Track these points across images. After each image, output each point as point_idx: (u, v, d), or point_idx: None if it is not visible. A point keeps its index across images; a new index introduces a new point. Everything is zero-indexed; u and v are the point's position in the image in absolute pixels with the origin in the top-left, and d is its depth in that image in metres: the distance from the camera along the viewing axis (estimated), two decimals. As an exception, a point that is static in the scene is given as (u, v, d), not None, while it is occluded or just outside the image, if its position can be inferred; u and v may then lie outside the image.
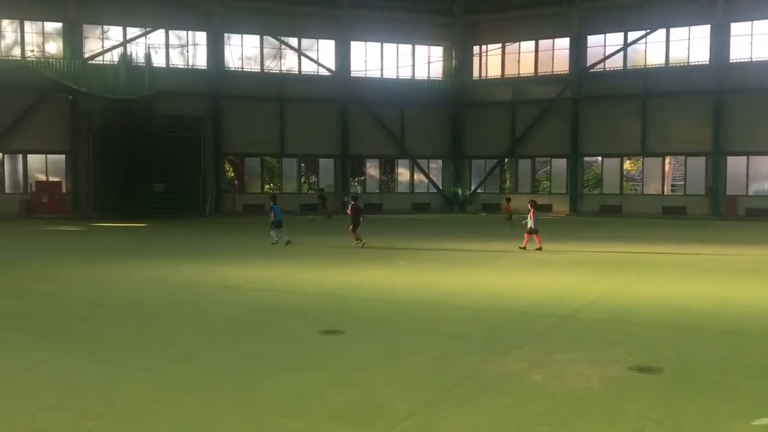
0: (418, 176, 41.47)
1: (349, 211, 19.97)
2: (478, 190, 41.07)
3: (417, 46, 40.29)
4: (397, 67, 39.76)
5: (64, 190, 34.98)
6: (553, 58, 38.81)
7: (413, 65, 40.24)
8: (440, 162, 41.70)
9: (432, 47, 40.89)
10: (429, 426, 5.44)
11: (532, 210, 18.29)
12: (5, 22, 34.40)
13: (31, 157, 35.38)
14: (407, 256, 17.41)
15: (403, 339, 8.48)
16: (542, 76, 38.97)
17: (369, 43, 39.41)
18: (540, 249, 17.97)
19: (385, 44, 39.59)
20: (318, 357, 7.56)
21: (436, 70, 41.07)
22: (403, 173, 41.92)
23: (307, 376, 6.77)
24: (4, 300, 11.14)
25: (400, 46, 39.93)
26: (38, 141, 34.25)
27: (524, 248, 18.08)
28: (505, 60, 39.90)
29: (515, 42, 39.24)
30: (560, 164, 39.23)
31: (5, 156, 35.42)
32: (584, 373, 6.83)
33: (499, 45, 39.90)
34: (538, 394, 6.25)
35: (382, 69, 39.61)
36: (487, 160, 40.77)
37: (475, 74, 40.95)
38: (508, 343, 8.23)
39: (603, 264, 15.71)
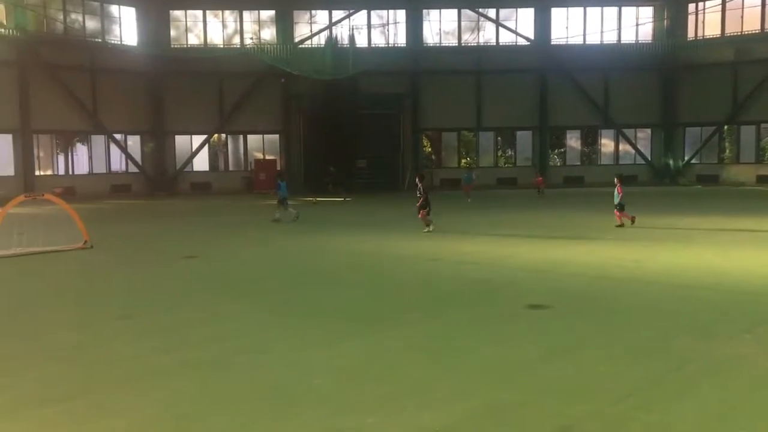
0: (624, 147, 39.24)
1: (420, 192, 16.82)
2: (693, 161, 37.92)
3: (624, 8, 37.85)
4: (602, 32, 37.72)
5: (278, 167, 37.79)
6: (784, 11, 34.49)
7: (619, 28, 37.93)
8: (648, 131, 39.10)
9: (640, 8, 38.20)
10: (652, 407, 5.13)
11: (619, 184, 16.96)
12: (227, 13, 37.66)
13: (250, 137, 38.66)
14: (615, 231, 16.55)
15: (616, 317, 8.08)
16: (770, 31, 34.84)
17: (571, 9, 37.73)
18: (622, 225, 16.74)
19: (588, 8, 37.66)
20: (526, 331, 7.45)
21: (645, 33, 38.36)
22: (606, 144, 39.89)
23: (517, 350, 6.70)
24: (225, 264, 12.31)
25: (605, 9, 37.75)
26: (256, 122, 37.32)
27: (621, 225, 16.82)
28: (725, 17, 36.17)
29: (738, -4, 35.40)
30: (792, 130, 35.01)
31: (228, 137, 39.03)
32: (834, 362, 6.05)
33: (719, 0, 36.21)
34: (777, 382, 5.65)
35: (584, 35, 37.80)
36: (704, 127, 37.43)
37: (690, 34, 37.65)
38: (735, 325, 7.52)
39: None
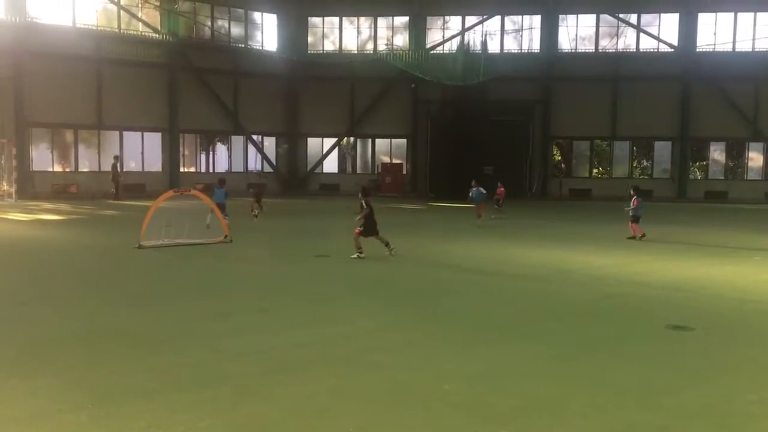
0: (775, 161, 36.35)
1: (364, 206, 13.43)
2: None
3: (779, 13, 35.12)
4: (753, 39, 35.16)
5: (404, 171, 38.22)
6: None
7: (773, 35, 35.21)
8: (803, 145, 36.01)
9: (798, 13, 35.28)
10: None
11: (635, 196, 16.85)
12: (362, 19, 38.54)
13: (378, 141, 39.34)
14: (763, 250, 15.38)
15: (766, 343, 7.50)
16: None
17: (719, 14, 35.47)
18: (633, 237, 16.53)
19: (739, 13, 35.26)
20: (667, 352, 7.07)
21: (803, 39, 35.38)
22: (754, 158, 37.15)
23: (655, 371, 6.37)
24: (364, 267, 12.56)
25: (758, 14, 35.18)
26: (384, 126, 37.89)
27: (633, 237, 16.60)
28: None
29: None
30: None
31: (357, 140, 39.90)
32: None
33: None
34: None
35: (734, 42, 35.41)
36: None
37: None
38: None
39: None
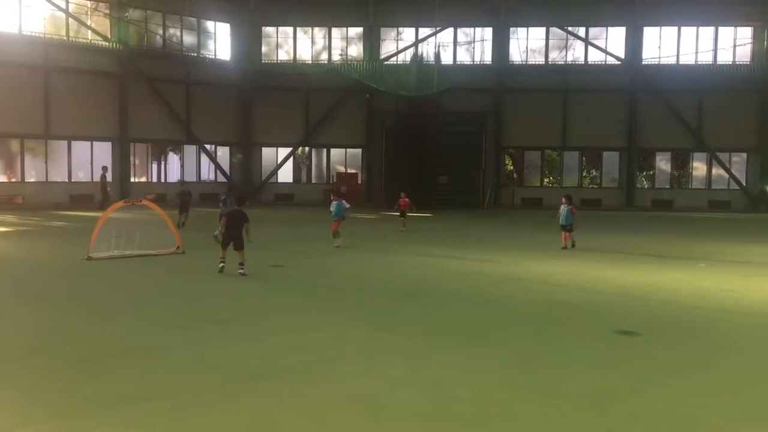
0: (717, 171, 37.61)
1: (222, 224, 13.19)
2: (792, 188, 35.98)
3: (721, 28, 36.46)
4: (696, 52, 36.39)
5: (359, 181, 38.28)
6: None
7: (715, 49, 36.51)
8: (744, 155, 37.36)
9: (739, 28, 36.69)
10: (754, 446, 4.90)
11: (566, 204, 16.81)
12: (316, 30, 38.57)
13: (333, 151, 39.34)
14: (708, 257, 15.90)
15: (711, 347, 7.77)
16: None
17: (664, 28, 36.65)
18: (565, 248, 16.62)
19: (682, 27, 36.49)
20: (615, 357, 7.25)
21: (743, 54, 36.77)
22: (698, 167, 38.37)
23: (605, 376, 6.53)
24: (318, 278, 12.54)
25: (701, 28, 36.45)
26: (339, 136, 37.94)
27: (565, 247, 16.68)
28: (832, 37, 34.27)
29: None
30: None
31: (312, 150, 39.83)
32: None
33: (825, 20, 34.39)
34: None
35: (678, 55, 36.59)
36: (805, 153, 35.48)
37: (792, 56, 35.82)
38: None
39: None
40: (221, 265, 12.46)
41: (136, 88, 33.78)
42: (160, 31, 35.72)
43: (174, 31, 36.49)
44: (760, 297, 10.91)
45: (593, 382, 6.33)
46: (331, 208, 17.19)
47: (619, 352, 7.48)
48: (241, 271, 12.28)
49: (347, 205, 17.48)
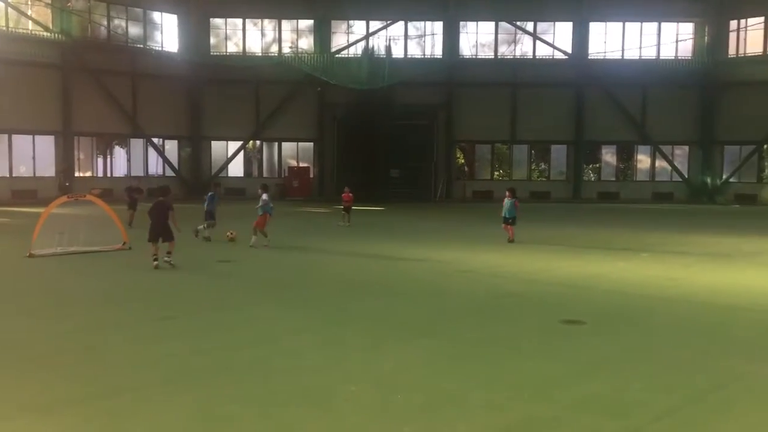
0: (660, 163, 38.71)
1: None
2: (731, 179, 37.27)
3: (663, 24, 37.47)
4: (640, 47, 37.29)
5: (311, 175, 38.09)
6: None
7: (658, 44, 37.48)
8: (686, 148, 38.50)
9: (681, 24, 37.76)
10: (691, 426, 5.08)
11: (509, 197, 16.87)
12: (266, 22, 38.14)
13: (284, 145, 39.03)
14: (650, 248, 16.36)
15: (653, 334, 8.01)
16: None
17: (609, 23, 37.46)
18: (512, 241, 16.64)
19: (627, 23, 37.36)
20: (561, 346, 7.42)
21: (685, 49, 37.87)
22: (642, 160, 39.39)
23: (551, 364, 6.68)
24: (279, 272, 12.45)
25: (644, 24, 37.39)
26: (291, 129, 37.63)
27: (512, 240, 16.71)
28: (768, 34, 35.55)
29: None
30: (835, 151, 34.26)
31: (263, 144, 39.45)
32: None
33: (761, 18, 35.63)
34: (821, 407, 5.55)
35: (623, 50, 37.45)
36: (743, 145, 36.76)
37: (731, 51, 37.06)
38: (777, 347, 7.41)
39: None
40: (155, 262, 12.23)
41: (80, 80, 32.87)
42: (105, 22, 34.81)
43: (119, 22, 35.60)
44: (700, 285, 11.30)
45: (539, 371, 6.46)
46: (259, 204, 15.89)
47: (564, 341, 7.66)
48: (167, 259, 12.17)
49: (270, 204, 16.06)
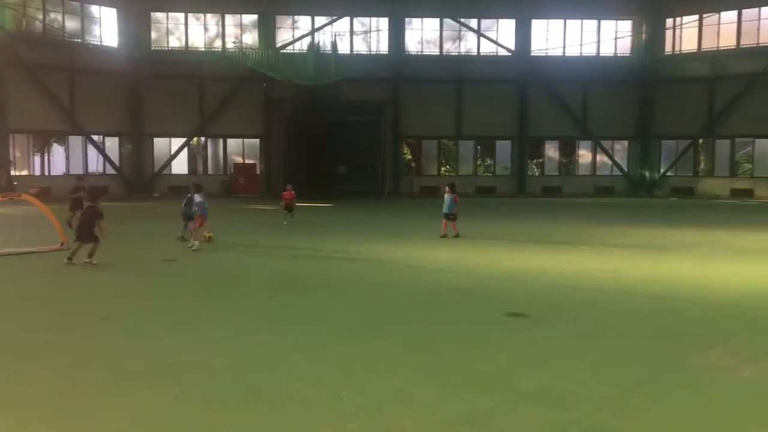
0: (601, 158, 39.73)
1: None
2: (668, 173, 38.51)
3: (603, 21, 38.41)
4: (581, 44, 38.15)
5: (258, 172, 37.69)
6: (758, 29, 35.21)
7: (598, 41, 38.43)
8: (626, 143, 39.63)
9: (619, 22, 38.79)
10: (629, 416, 5.22)
11: (449, 193, 17.03)
12: (209, 16, 37.51)
13: (230, 141, 38.51)
14: (591, 241, 16.76)
15: (593, 326, 8.21)
16: (746, 48, 35.50)
17: (551, 21, 38.19)
18: (445, 236, 16.74)
19: (568, 21, 38.15)
20: (505, 339, 7.54)
21: (624, 46, 38.93)
22: (584, 155, 40.34)
23: (495, 357, 6.78)
24: (219, 271, 12.28)
25: (585, 21, 38.26)
26: (236, 126, 37.16)
27: (445, 235, 16.80)
28: (702, 32, 36.82)
29: (715, 12, 36.02)
30: (765, 145, 35.69)
31: (208, 140, 38.83)
32: (804, 373, 6.20)
33: (696, 17, 36.89)
34: (748, 390, 5.79)
35: (564, 47, 38.24)
36: (680, 140, 38.02)
37: (668, 49, 38.28)
38: (710, 335, 7.69)
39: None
40: (69, 259, 12.28)
41: (15, 75, 31.78)
42: (40, 16, 33.69)
43: (55, 16, 34.49)
44: (639, 276, 11.63)
45: (483, 363, 6.55)
46: (194, 208, 14.87)
47: (508, 334, 7.78)
48: (87, 260, 12.13)
49: (201, 205, 14.75)
